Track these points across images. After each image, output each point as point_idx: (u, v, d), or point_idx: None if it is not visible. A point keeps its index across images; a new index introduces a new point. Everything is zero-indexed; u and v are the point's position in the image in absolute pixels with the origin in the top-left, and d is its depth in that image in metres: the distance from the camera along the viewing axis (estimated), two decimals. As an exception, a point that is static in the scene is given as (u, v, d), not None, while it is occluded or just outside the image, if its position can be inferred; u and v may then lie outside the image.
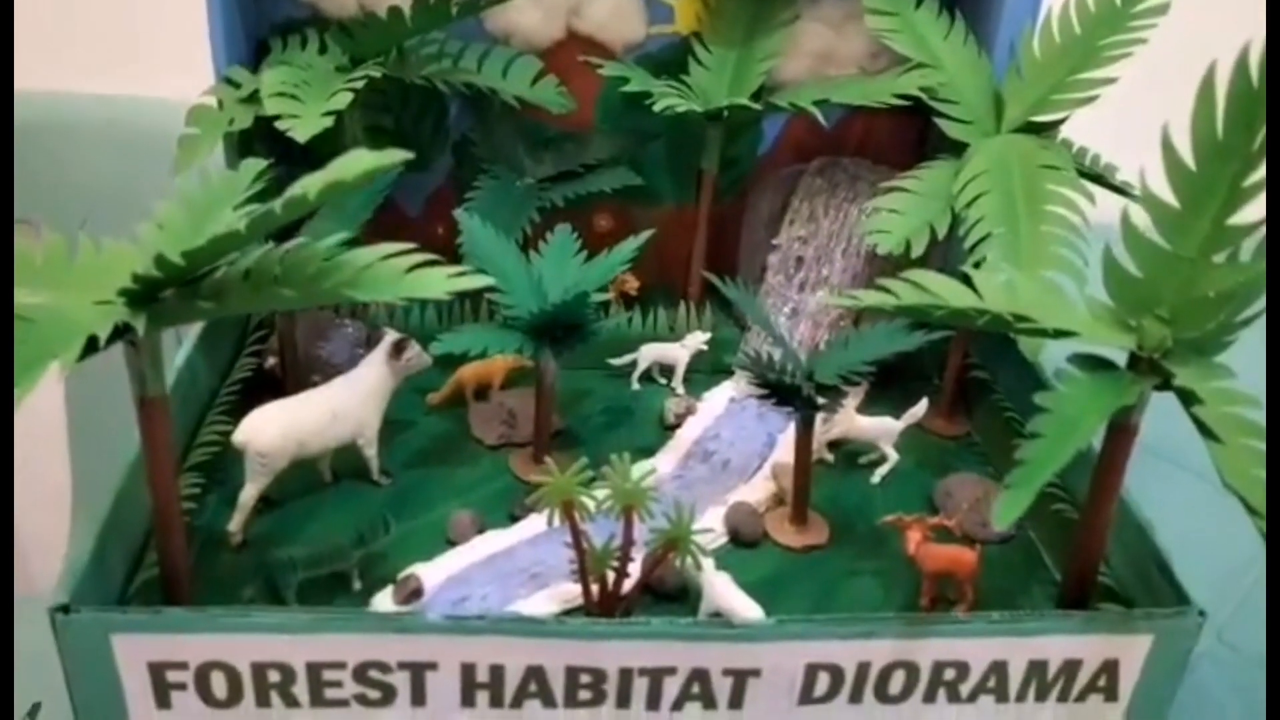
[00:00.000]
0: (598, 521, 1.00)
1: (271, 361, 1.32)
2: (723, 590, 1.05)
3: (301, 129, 1.07)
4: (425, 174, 1.48)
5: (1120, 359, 0.92)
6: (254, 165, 1.01)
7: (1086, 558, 1.00)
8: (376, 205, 1.26)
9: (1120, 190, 1.26)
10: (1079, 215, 1.16)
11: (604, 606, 1.02)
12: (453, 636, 0.90)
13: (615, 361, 1.44)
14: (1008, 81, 1.26)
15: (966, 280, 0.96)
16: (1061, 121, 1.25)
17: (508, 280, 1.18)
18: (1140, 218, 0.90)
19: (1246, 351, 0.90)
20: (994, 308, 0.91)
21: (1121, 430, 0.93)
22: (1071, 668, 0.97)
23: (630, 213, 1.51)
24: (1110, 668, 0.97)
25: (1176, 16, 1.20)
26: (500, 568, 1.12)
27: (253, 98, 1.23)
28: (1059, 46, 1.24)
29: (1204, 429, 0.82)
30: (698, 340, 1.41)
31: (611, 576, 1.02)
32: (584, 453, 1.29)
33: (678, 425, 1.35)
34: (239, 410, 1.23)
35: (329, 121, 1.08)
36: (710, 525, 1.18)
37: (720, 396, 1.40)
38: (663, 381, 1.44)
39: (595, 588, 1.02)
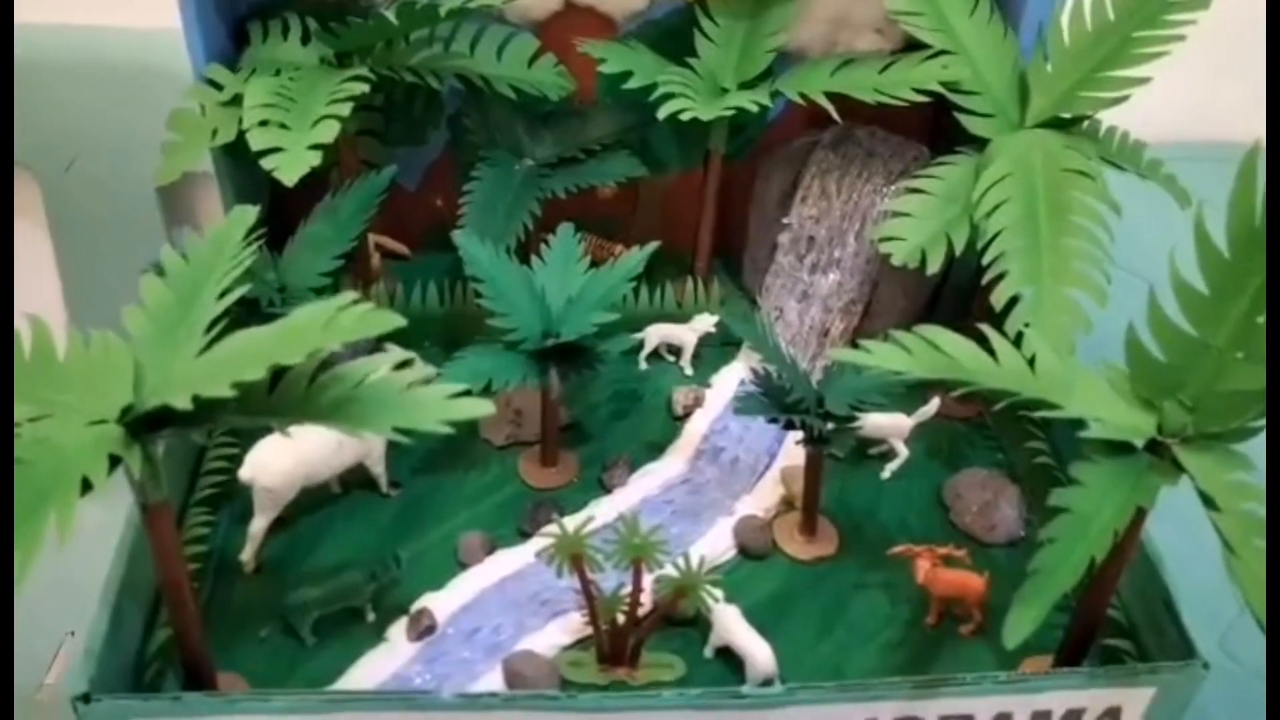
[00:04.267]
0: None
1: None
2: (732, 625, 1.06)
3: (287, 169, 1.01)
4: (421, 149, 1.42)
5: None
6: (242, 215, 0.96)
7: (1093, 608, 1.00)
8: (371, 214, 1.22)
9: (1145, 176, 1.21)
10: (1103, 227, 1.11)
11: (615, 647, 1.04)
12: (468, 712, 0.92)
13: (622, 340, 1.41)
14: (1033, 70, 1.18)
15: (981, 338, 0.94)
16: (1087, 119, 1.18)
17: (509, 302, 1.15)
18: (1167, 299, 0.86)
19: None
20: (1012, 386, 0.88)
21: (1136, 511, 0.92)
22: (1074, 715, 0.98)
23: (634, 179, 1.45)
24: (1113, 713, 0.99)
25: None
26: (511, 594, 1.13)
27: (235, 100, 1.16)
28: (1090, 35, 1.15)
29: (1222, 536, 0.81)
30: (706, 323, 1.38)
31: (622, 619, 1.04)
32: (593, 449, 1.30)
33: (686, 416, 1.34)
34: (242, 430, 1.22)
35: (316, 159, 1.02)
36: (719, 537, 1.19)
37: (728, 381, 1.38)
38: (671, 359, 1.42)
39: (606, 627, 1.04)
